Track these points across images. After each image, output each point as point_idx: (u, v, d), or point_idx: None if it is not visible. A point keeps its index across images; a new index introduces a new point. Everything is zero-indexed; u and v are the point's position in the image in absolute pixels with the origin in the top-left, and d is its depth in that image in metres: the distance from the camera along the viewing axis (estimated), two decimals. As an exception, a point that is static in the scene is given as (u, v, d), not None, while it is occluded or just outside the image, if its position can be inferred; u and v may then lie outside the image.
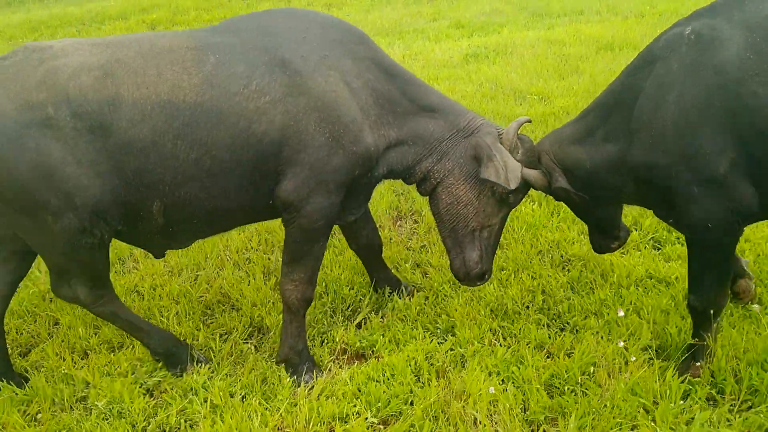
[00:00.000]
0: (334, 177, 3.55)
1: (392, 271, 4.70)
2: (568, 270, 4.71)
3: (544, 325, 4.13)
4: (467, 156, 3.84)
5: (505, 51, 10.50)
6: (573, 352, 3.76)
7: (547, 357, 3.84)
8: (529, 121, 3.99)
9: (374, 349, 4.03)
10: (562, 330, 4.08)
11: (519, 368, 3.68)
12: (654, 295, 4.23)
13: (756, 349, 3.58)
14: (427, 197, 4.07)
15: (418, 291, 4.59)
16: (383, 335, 4.11)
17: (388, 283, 4.60)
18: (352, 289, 4.64)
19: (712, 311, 3.43)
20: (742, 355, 3.58)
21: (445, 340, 4.06)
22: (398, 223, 5.67)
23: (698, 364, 3.54)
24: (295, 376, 3.84)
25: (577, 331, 4.02)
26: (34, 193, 3.23)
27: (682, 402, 3.37)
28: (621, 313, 3.90)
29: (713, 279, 3.40)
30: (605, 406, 3.34)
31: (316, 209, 3.58)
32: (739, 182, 3.09)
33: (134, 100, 3.27)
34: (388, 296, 4.52)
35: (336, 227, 4.73)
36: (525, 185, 3.81)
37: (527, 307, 4.32)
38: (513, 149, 3.77)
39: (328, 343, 4.16)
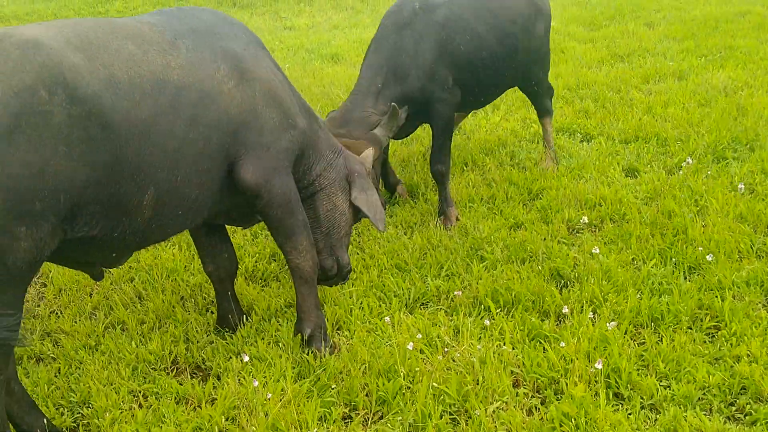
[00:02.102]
0: (286, 156, 3.86)
1: None
2: (212, 312, 4.67)
3: (188, 376, 4.05)
4: (343, 173, 4.39)
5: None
6: (216, 399, 3.73)
7: (193, 409, 3.75)
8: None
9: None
10: (205, 378, 4.03)
11: (161, 428, 3.55)
12: (291, 325, 4.39)
13: (381, 360, 3.88)
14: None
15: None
16: None
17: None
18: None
19: (447, 171, 5.72)
20: (369, 368, 3.86)
21: (81, 414, 3.76)
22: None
23: (451, 209, 5.74)
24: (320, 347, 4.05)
25: (219, 376, 4.00)
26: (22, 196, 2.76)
27: (319, 425, 3.53)
28: (246, 359, 3.99)
29: (448, 149, 5.77)
30: (247, 448, 3.36)
31: (278, 186, 3.79)
32: (456, 90, 5.62)
33: (130, 79, 3.10)
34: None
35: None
36: None
37: (170, 360, 4.19)
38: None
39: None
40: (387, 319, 4.29)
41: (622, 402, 3.55)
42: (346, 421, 3.63)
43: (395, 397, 3.62)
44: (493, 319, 4.24)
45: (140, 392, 3.90)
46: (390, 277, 4.80)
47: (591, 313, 4.19)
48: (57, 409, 3.81)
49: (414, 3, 5.55)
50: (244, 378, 3.88)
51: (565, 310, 4.20)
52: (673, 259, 4.70)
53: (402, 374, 3.73)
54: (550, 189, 6.03)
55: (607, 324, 3.96)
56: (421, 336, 4.10)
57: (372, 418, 3.63)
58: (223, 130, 3.54)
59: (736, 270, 4.51)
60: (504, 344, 3.95)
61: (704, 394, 3.56)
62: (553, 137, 6.87)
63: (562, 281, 4.66)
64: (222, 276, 4.35)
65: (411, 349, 3.88)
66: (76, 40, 3.03)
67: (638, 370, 3.73)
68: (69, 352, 4.27)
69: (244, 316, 4.47)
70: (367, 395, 3.71)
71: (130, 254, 3.77)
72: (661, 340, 3.95)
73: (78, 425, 3.68)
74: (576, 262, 4.76)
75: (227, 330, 4.40)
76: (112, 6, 16.53)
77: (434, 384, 3.61)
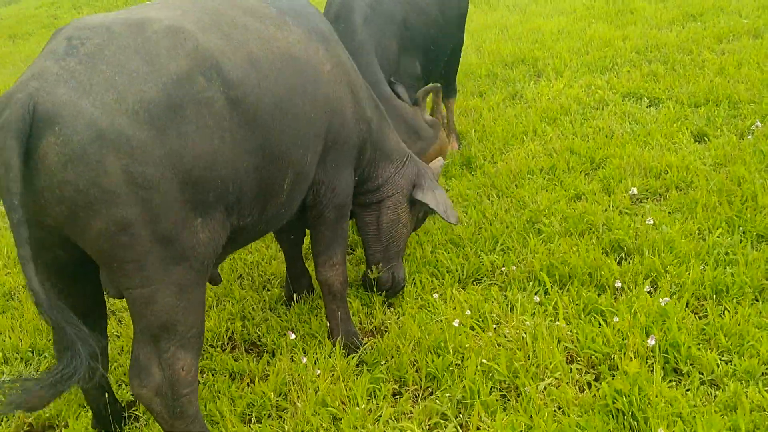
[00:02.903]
0: (354, 152, 3.70)
1: None
2: (267, 289, 4.74)
3: (243, 353, 4.12)
4: (411, 182, 4.15)
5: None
6: (269, 375, 3.79)
7: (247, 385, 3.82)
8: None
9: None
10: (260, 355, 4.09)
11: (216, 404, 3.62)
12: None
13: (431, 336, 3.86)
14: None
15: None
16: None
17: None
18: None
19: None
20: (418, 345, 3.84)
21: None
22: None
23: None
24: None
25: (273, 353, 4.05)
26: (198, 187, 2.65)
27: (369, 401, 3.54)
28: (293, 336, 4.00)
29: None
30: (297, 424, 3.40)
31: (344, 185, 3.65)
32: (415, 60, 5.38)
33: (266, 57, 2.99)
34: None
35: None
36: None
37: (226, 337, 4.28)
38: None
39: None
40: (435, 295, 4.25)
41: (680, 378, 3.42)
42: (396, 397, 3.62)
43: (444, 374, 3.59)
44: (548, 294, 4.15)
45: (199, 368, 3.99)
46: (444, 253, 4.75)
47: (649, 286, 4.05)
48: (118, 385, 3.95)
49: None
50: (296, 354, 3.92)
51: (618, 284, 4.05)
52: (741, 228, 4.48)
53: (451, 350, 3.69)
54: (613, 157, 5.82)
55: (660, 300, 3.81)
56: (470, 312, 4.05)
57: (422, 394, 3.62)
58: (327, 114, 3.39)
59: (809, 238, 4.26)
60: (557, 319, 3.86)
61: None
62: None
63: (622, 253, 4.50)
64: (291, 241, 4.27)
65: (457, 325, 3.82)
66: (207, 19, 2.88)
67: (699, 344, 3.58)
68: (130, 331, 4.40)
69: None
70: (417, 371, 3.70)
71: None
72: (724, 313, 3.78)
73: (137, 402, 3.80)
74: (637, 233, 4.59)
75: (298, 293, 4.44)
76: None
77: (483, 360, 3.56)
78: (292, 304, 4.43)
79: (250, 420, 3.54)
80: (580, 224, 4.87)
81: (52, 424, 3.75)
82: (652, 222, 4.66)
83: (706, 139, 5.99)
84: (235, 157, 2.78)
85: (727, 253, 4.26)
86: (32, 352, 4.32)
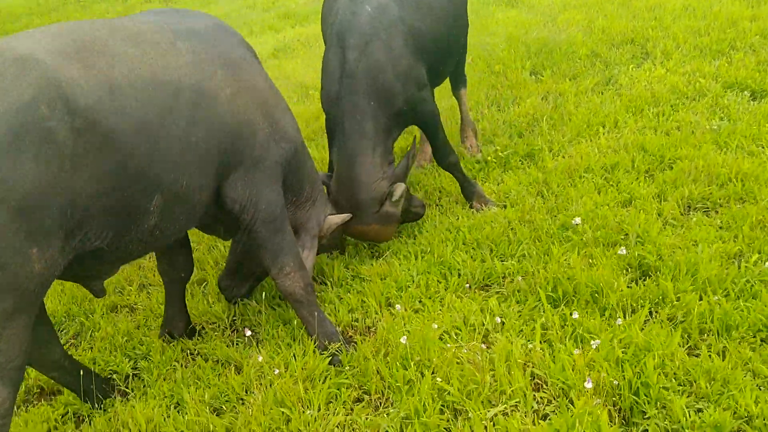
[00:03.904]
0: (275, 170, 3.77)
1: None
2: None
3: (236, 339, 4.29)
4: (306, 219, 4.30)
5: (309, 43, 10.57)
6: (243, 368, 3.92)
7: (231, 372, 3.97)
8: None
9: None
10: (253, 343, 4.23)
11: (189, 391, 3.80)
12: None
13: (400, 347, 3.76)
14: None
15: None
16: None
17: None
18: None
19: (457, 158, 5.24)
20: (389, 353, 3.80)
21: (138, 367, 4.17)
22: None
23: (477, 187, 5.29)
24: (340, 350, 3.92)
25: (259, 342, 4.18)
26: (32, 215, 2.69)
27: (329, 405, 3.57)
28: (248, 333, 4.08)
29: (446, 140, 5.18)
30: (248, 421, 3.50)
31: (268, 201, 3.71)
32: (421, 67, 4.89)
33: (130, 83, 3.03)
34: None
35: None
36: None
37: (228, 322, 4.46)
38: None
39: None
40: (434, 300, 4.17)
41: (636, 424, 3.15)
42: (357, 403, 3.63)
43: (403, 387, 3.55)
44: (543, 312, 3.94)
45: (194, 351, 4.21)
46: (461, 254, 4.62)
47: (649, 314, 3.74)
48: (124, 356, 4.25)
49: (365, 7, 4.68)
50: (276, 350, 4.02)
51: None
52: (785, 256, 4.00)
53: (413, 364, 3.63)
54: (684, 159, 5.34)
55: (652, 330, 3.50)
56: (460, 322, 3.94)
57: (384, 404, 3.60)
58: (221, 137, 3.44)
59: None
60: (534, 340, 3.67)
61: (744, 423, 3.05)
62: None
63: (639, 272, 4.17)
64: (174, 277, 4.21)
65: (434, 336, 3.74)
66: (72, 47, 2.93)
67: (679, 386, 3.27)
68: (153, 305, 4.71)
69: (190, 326, 4.37)
70: (381, 380, 3.68)
71: (123, 264, 3.70)
72: (722, 353, 3.42)
73: (132, 376, 4.08)
74: (659, 253, 4.21)
75: (169, 335, 4.30)
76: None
77: (438, 379, 3.47)
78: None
79: (214, 409, 3.69)
80: (613, 234, 4.54)
81: (60, 388, 4.11)
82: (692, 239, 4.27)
83: (798, 144, 5.35)
84: (77, 183, 2.80)
85: (753, 285, 3.83)
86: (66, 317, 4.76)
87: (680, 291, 3.86)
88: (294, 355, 3.88)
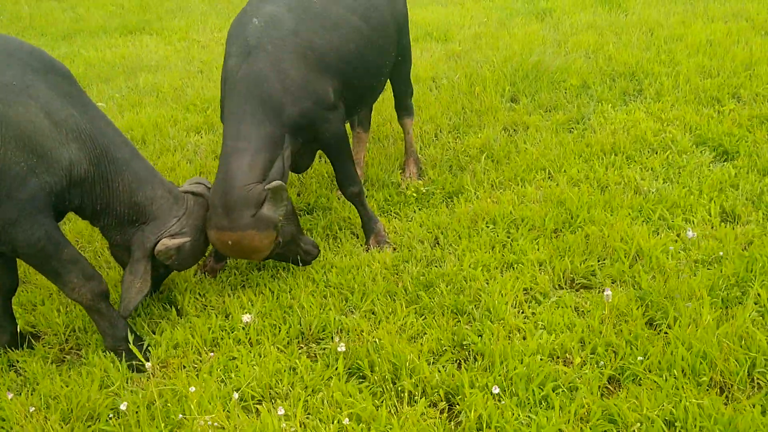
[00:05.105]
0: (32, 203, 3.71)
1: None
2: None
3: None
4: (136, 241, 4.21)
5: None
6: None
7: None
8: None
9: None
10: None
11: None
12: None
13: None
14: None
15: None
16: None
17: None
18: None
19: (361, 189, 5.05)
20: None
21: None
22: None
23: (379, 224, 5.14)
24: (126, 361, 4.04)
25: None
26: None
27: None
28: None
29: (353, 167, 5.00)
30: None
31: (27, 237, 3.72)
32: (339, 101, 4.84)
33: None
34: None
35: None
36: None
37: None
38: None
39: None
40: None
41: None
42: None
43: None
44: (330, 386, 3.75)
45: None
46: (316, 299, 4.45)
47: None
48: None
49: (252, 19, 4.58)
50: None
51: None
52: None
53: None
54: (596, 223, 4.95)
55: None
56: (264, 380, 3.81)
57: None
58: None
59: None
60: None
61: None
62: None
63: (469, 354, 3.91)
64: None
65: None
66: None
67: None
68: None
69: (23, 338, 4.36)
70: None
71: None
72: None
73: None
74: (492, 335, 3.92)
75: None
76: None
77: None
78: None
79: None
80: (467, 303, 4.27)
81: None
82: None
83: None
84: None
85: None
86: None
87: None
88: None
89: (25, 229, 3.69)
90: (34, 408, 3.64)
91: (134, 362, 4.04)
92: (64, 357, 4.31)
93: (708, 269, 4.31)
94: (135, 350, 3.87)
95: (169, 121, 7.47)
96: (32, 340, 4.39)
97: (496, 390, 3.48)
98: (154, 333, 4.34)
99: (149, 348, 4.16)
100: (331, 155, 4.96)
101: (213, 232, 4.34)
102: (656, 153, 5.98)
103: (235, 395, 3.61)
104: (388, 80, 5.74)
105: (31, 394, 3.87)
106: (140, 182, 4.13)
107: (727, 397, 3.45)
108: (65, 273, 3.88)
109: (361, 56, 4.99)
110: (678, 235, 4.77)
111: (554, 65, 7.85)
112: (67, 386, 3.88)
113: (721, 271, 4.26)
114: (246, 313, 4.32)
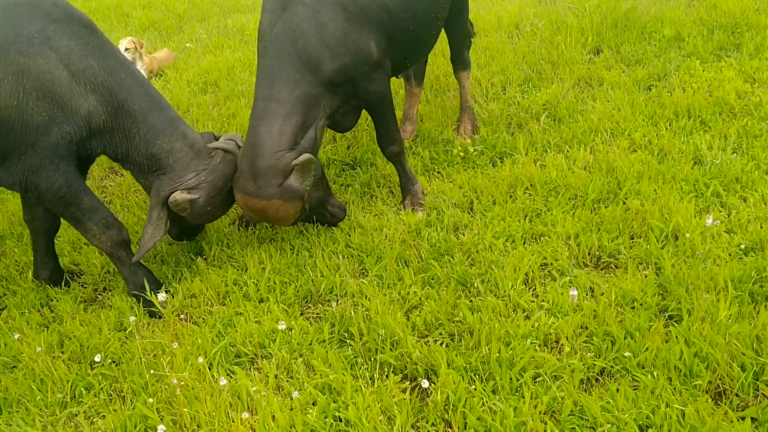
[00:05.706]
0: (55, 151, 3.98)
1: None
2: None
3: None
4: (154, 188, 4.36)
5: None
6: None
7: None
8: None
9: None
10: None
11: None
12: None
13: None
14: None
15: None
16: None
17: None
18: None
19: (402, 149, 4.91)
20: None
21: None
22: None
23: (417, 185, 4.99)
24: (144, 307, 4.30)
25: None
26: None
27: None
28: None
29: (395, 126, 4.86)
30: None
31: (51, 181, 4.00)
32: (385, 57, 4.64)
33: None
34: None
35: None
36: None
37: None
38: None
39: None
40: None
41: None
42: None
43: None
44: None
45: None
46: (323, 261, 4.47)
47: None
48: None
49: None
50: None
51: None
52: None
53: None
54: (641, 196, 4.60)
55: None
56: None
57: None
58: None
59: None
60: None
61: None
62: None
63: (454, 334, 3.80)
64: (36, 229, 4.52)
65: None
66: None
67: None
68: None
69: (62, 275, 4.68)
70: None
71: None
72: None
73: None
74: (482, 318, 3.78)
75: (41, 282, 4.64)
76: None
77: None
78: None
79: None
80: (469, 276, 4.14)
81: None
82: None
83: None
84: None
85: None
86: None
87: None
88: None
89: (48, 176, 3.97)
90: (40, 348, 3.92)
91: (151, 308, 4.24)
92: (96, 297, 4.59)
93: (740, 259, 3.91)
94: (153, 298, 4.09)
95: (245, 64, 7.57)
96: (68, 279, 4.70)
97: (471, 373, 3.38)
98: (172, 283, 4.51)
99: (168, 295, 4.34)
100: (373, 114, 4.83)
101: (239, 196, 4.36)
102: (736, 117, 5.43)
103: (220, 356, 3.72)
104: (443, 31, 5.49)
105: (52, 333, 4.16)
106: (156, 134, 4.23)
107: (722, 405, 3.16)
108: (85, 220, 4.15)
109: (408, 7, 4.75)
110: (728, 215, 4.35)
111: (649, 13, 7.23)
112: (82, 326, 4.13)
113: (758, 262, 3.85)
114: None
